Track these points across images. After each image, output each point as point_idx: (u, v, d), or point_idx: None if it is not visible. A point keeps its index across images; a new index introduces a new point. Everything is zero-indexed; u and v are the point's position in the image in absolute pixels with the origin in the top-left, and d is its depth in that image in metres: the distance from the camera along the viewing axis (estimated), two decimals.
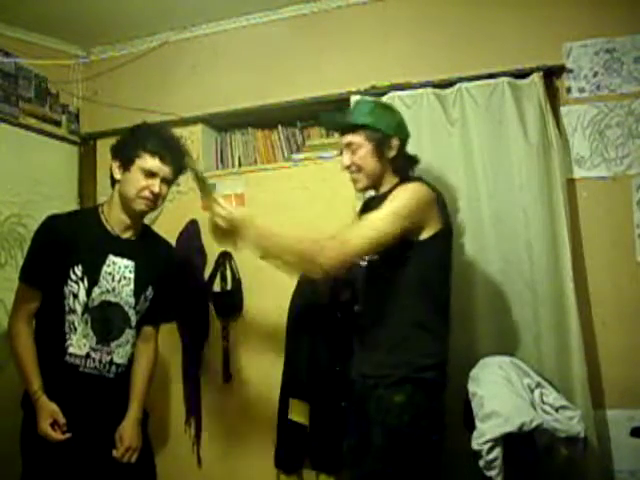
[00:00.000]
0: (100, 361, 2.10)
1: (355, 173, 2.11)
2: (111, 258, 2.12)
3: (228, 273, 3.07)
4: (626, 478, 2.44)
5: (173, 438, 3.01)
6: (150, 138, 2.11)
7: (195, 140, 3.21)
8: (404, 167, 2.16)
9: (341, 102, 2.83)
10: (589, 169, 2.61)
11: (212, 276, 3.08)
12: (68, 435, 2.01)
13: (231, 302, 3.04)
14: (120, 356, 2.14)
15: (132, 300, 2.16)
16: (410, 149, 2.70)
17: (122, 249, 2.15)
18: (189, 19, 3.18)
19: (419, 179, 2.11)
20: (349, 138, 2.09)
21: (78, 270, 2.06)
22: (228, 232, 1.85)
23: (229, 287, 3.05)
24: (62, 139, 3.30)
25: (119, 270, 2.13)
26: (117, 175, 2.14)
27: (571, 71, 2.65)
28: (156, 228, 3.19)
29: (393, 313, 2.02)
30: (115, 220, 2.15)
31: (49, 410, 2.00)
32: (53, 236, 2.10)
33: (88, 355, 2.08)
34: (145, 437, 2.24)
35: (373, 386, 2.02)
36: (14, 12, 2.94)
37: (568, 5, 2.66)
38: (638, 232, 2.53)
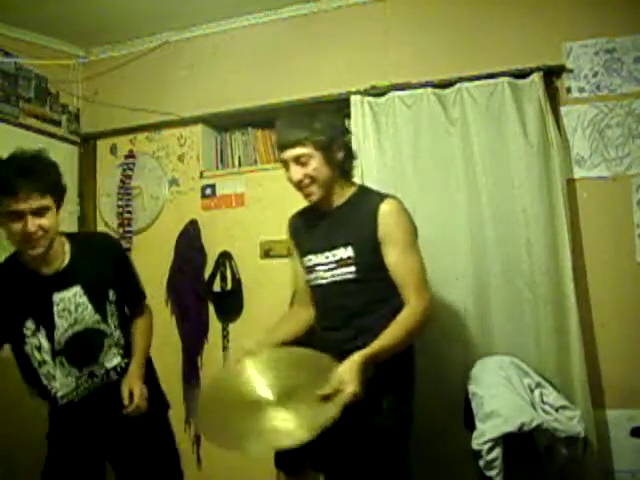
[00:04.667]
0: (95, 376, 2.03)
1: (308, 186, 2.03)
2: (56, 296, 1.96)
3: (228, 273, 3.07)
4: (626, 478, 2.44)
5: None
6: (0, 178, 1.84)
7: (195, 140, 3.22)
8: (350, 166, 2.13)
9: (341, 102, 2.83)
10: (589, 169, 2.61)
11: (212, 276, 3.08)
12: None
13: (231, 302, 3.05)
14: (109, 359, 2.05)
15: (98, 316, 2.03)
16: (410, 149, 2.73)
17: (60, 282, 1.98)
18: (189, 19, 3.18)
19: (391, 196, 2.06)
20: (297, 151, 2.01)
21: (30, 324, 1.95)
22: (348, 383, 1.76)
23: (229, 287, 3.06)
24: (62, 139, 3.30)
25: (70, 301, 1.98)
26: None
27: (571, 71, 2.65)
28: (156, 228, 3.24)
29: (376, 307, 2.00)
30: (34, 263, 1.95)
31: None
32: None
33: (78, 386, 2.00)
34: (168, 431, 2.21)
35: None
36: (14, 12, 2.94)
37: (568, 5, 2.66)
38: (638, 232, 2.53)
